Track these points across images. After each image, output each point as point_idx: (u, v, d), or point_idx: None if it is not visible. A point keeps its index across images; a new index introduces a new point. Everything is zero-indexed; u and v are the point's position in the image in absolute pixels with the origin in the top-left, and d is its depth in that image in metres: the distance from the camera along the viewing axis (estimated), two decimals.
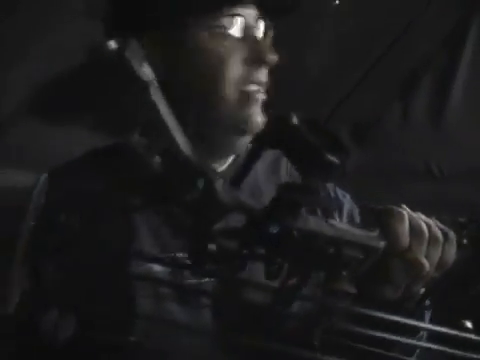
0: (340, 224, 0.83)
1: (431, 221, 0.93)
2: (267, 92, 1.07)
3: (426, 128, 2.24)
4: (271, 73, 1.06)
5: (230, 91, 1.00)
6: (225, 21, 1.00)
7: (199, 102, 1.00)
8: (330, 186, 1.16)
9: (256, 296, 0.95)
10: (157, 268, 0.97)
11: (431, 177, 2.23)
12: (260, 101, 1.04)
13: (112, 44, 0.71)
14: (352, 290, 0.85)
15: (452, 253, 0.91)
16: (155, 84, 0.74)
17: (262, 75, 1.03)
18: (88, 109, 0.75)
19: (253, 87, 1.03)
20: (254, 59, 1.02)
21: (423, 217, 0.93)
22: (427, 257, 0.89)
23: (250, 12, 1.03)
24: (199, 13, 0.99)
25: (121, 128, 0.74)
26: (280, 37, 2.16)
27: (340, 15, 2.15)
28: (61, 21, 1.84)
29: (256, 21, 1.04)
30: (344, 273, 0.84)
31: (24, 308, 0.83)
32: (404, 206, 0.93)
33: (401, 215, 0.89)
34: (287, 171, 1.15)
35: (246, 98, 1.02)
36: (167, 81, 0.83)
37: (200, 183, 0.77)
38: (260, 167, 1.12)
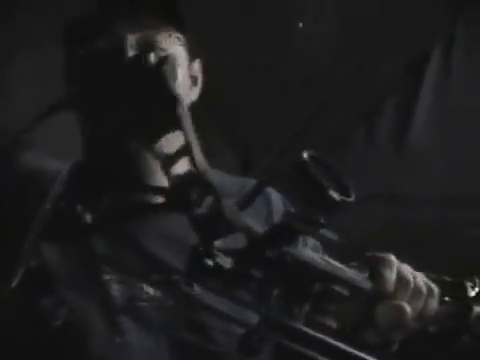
0: (333, 261, 0.88)
1: (418, 274, 0.98)
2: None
3: (390, 153, 2.29)
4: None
5: None
6: None
7: None
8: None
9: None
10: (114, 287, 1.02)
11: (395, 202, 2.27)
12: None
13: (152, 57, 0.76)
14: (333, 325, 0.90)
15: (434, 306, 0.96)
16: (182, 100, 0.79)
17: None
18: (118, 111, 0.80)
19: None
20: None
21: (410, 269, 0.98)
22: (409, 305, 0.93)
23: None
24: None
25: (147, 134, 0.80)
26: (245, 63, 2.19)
27: (309, 39, 2.21)
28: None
29: None
30: (329, 308, 0.89)
31: (24, 288, 0.87)
32: (392, 256, 0.98)
33: (390, 262, 0.94)
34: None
35: None
36: None
37: (208, 200, 0.82)
38: None
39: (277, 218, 1.17)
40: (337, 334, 0.88)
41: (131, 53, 1.04)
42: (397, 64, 2.28)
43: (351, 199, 0.83)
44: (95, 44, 1.08)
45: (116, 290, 1.00)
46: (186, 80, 1.13)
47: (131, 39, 1.06)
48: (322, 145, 2.21)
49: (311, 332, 0.87)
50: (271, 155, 2.23)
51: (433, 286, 0.97)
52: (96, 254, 0.99)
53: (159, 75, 0.75)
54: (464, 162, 2.25)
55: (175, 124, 0.77)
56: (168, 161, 0.80)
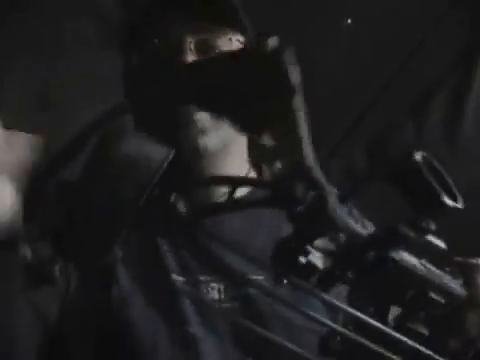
0: (431, 266, 0.84)
1: None
2: None
3: (441, 146, 2.26)
4: None
5: None
6: None
7: None
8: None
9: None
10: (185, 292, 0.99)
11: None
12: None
13: (271, 42, 0.71)
14: (424, 331, 0.86)
15: None
16: (301, 90, 0.74)
17: None
18: (233, 103, 0.75)
19: None
20: None
21: None
22: None
23: None
24: None
25: (259, 126, 0.75)
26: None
27: (352, 35, 2.17)
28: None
29: None
30: (422, 313, 0.85)
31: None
32: None
33: None
34: None
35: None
36: None
37: (311, 194, 0.77)
38: None
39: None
40: (424, 341, 0.86)
41: (190, 57, 1.04)
42: (447, 56, 2.22)
43: (460, 206, 0.79)
44: (152, 48, 1.07)
45: (187, 297, 0.98)
46: None
47: (190, 42, 1.05)
48: (373, 140, 2.18)
49: (398, 336, 0.84)
50: (321, 154, 2.19)
51: None
52: (165, 259, 0.98)
53: (279, 62, 0.69)
54: None
55: (289, 116, 0.72)
56: (273, 154, 0.76)
